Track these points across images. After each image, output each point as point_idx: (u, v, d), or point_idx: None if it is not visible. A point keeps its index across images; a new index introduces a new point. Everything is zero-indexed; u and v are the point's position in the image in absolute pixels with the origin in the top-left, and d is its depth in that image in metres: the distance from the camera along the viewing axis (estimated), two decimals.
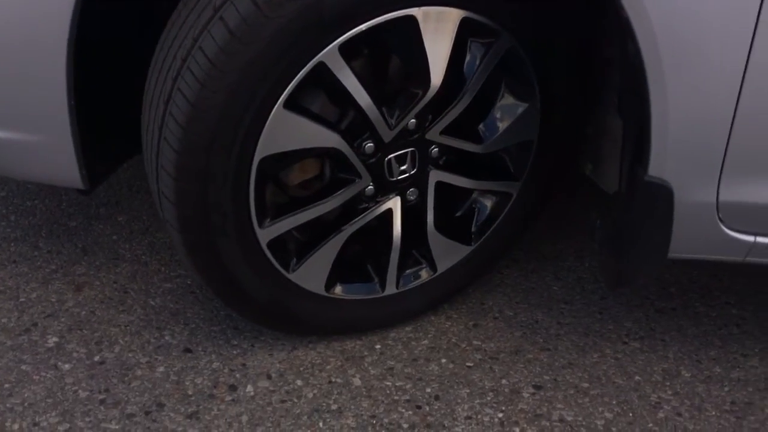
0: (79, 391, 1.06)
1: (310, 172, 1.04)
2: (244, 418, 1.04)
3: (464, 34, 0.99)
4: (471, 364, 1.18)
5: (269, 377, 1.11)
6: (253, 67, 0.85)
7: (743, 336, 1.29)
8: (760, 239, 1.05)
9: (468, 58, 1.03)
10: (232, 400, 1.07)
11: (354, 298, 1.16)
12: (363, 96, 0.96)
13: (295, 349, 1.17)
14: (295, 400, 1.08)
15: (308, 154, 1.00)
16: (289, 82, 0.89)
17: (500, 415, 1.09)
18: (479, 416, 1.08)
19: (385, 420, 1.06)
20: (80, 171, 1.03)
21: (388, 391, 1.11)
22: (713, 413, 1.12)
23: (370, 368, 1.15)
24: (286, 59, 0.87)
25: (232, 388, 1.09)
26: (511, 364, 1.19)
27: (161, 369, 1.11)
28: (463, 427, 1.06)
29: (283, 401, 1.07)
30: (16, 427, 1.00)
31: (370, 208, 1.08)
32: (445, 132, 1.07)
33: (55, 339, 1.15)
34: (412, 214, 1.13)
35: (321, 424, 1.04)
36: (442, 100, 1.04)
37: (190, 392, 1.07)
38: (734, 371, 1.21)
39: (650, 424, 1.09)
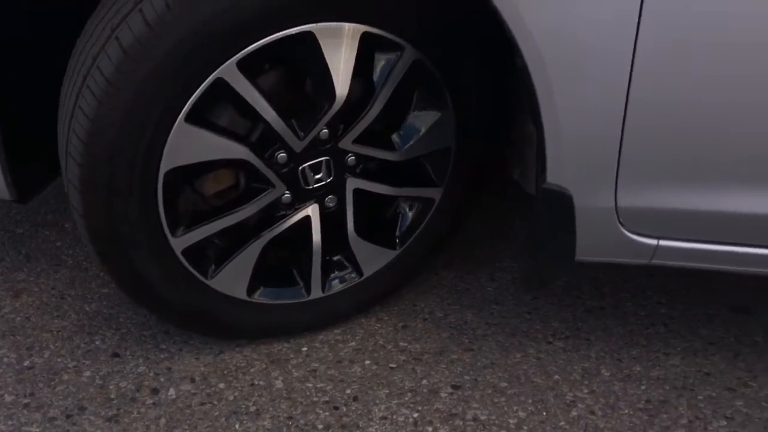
0: (5, 395, 1.10)
1: (225, 181, 1.08)
2: (162, 421, 1.07)
3: (369, 46, 1.03)
4: (394, 365, 1.21)
5: (192, 380, 1.15)
6: (148, 85, 0.88)
7: (669, 335, 1.32)
8: (663, 242, 1.07)
9: (375, 70, 1.06)
10: (153, 403, 1.10)
11: (279, 302, 1.20)
12: (267, 109, 0.99)
13: (222, 352, 1.21)
14: (215, 403, 1.11)
15: (219, 165, 1.04)
16: (189, 98, 0.93)
17: (415, 415, 1.12)
18: (394, 416, 1.12)
19: (301, 421, 1.10)
20: (5, 180, 1.07)
21: (308, 393, 1.15)
22: (626, 411, 1.15)
23: (293, 370, 1.18)
24: (183, 76, 0.91)
25: (155, 391, 1.12)
26: (434, 364, 1.22)
27: (87, 373, 1.15)
28: (378, 427, 1.10)
29: (202, 404, 1.11)
30: None
31: (288, 215, 1.12)
32: (358, 141, 1.10)
33: None
34: (333, 220, 1.17)
35: (237, 426, 1.08)
36: (353, 110, 1.07)
37: (112, 396, 1.11)
38: (654, 370, 1.24)
39: (562, 423, 1.12)
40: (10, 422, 1.05)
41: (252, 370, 1.18)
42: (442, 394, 1.16)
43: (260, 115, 0.99)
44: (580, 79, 0.92)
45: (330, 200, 1.14)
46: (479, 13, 0.94)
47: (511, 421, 1.12)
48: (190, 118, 0.95)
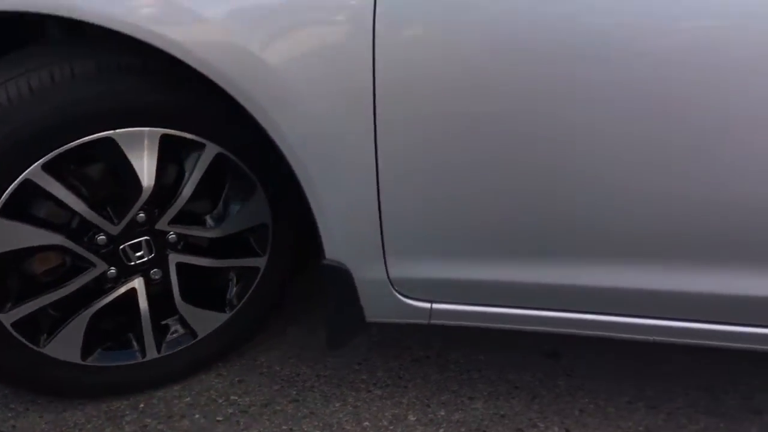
0: None
1: (52, 261, 1.22)
2: None
3: (173, 143, 1.19)
4: (221, 418, 1.35)
5: None
6: None
7: (480, 380, 1.48)
8: (436, 305, 1.24)
9: (183, 161, 1.22)
10: None
11: (116, 364, 1.34)
12: (78, 203, 1.15)
13: (65, 410, 1.34)
14: None
15: (41, 249, 1.19)
16: (1, 196, 1.08)
17: None
18: None
19: None
20: None
21: None
22: None
23: (126, 426, 1.32)
24: None
25: None
26: (258, 416, 1.36)
27: None
28: None
29: None
30: None
31: (115, 287, 1.27)
32: (174, 221, 1.26)
33: None
34: (160, 290, 1.32)
35: None
36: (166, 195, 1.23)
37: None
38: (456, 413, 1.39)
39: None
40: None
41: (89, 426, 1.31)
42: None
43: (72, 208, 1.14)
44: (336, 168, 1.08)
45: (155, 273, 1.29)
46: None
47: None
48: (4, 213, 1.10)
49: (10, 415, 1.32)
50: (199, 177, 1.23)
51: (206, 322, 1.39)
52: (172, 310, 1.34)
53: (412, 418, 1.38)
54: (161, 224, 1.25)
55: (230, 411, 1.37)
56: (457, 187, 1.11)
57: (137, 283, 1.28)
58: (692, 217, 1.09)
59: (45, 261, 1.21)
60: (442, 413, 1.39)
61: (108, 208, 1.20)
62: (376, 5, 1.00)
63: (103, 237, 1.21)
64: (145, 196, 1.19)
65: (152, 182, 1.18)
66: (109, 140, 1.11)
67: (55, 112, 1.07)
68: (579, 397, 1.43)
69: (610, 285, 1.17)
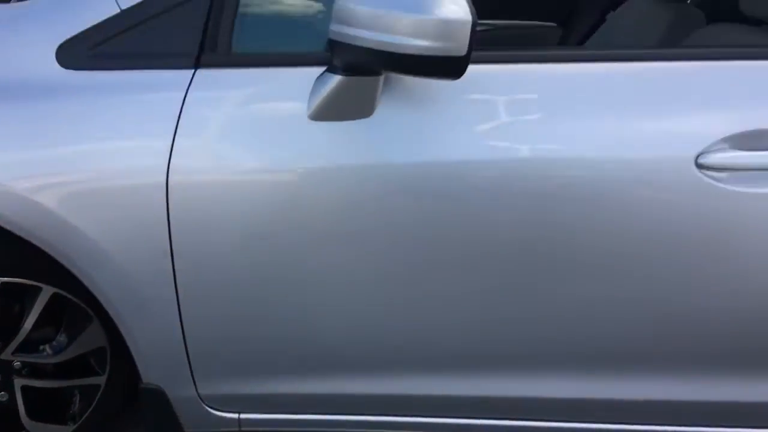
0: None
1: None
2: None
3: (13, 286, 1.41)
4: None
5: None
6: None
7: None
8: (244, 415, 1.47)
9: (23, 300, 1.44)
10: None
11: None
12: None
13: None
14: None
15: None
16: None
17: None
18: None
19: None
20: None
21: None
22: None
23: None
24: None
25: None
26: None
27: None
28: None
29: None
30: None
31: None
32: (17, 351, 1.46)
33: None
34: (8, 409, 1.51)
35: None
36: (11, 330, 1.44)
37: None
38: None
39: None
40: None
41: None
42: None
43: None
44: (142, 306, 1.32)
45: (2, 396, 1.49)
46: None
47: None
48: None
49: None
50: (39, 312, 1.44)
51: None
52: (20, 427, 1.53)
53: None
54: (5, 354, 1.45)
55: None
56: (248, 314, 1.36)
57: None
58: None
59: None
60: None
61: None
62: (170, 167, 1.25)
63: None
64: None
65: None
66: None
67: None
68: None
69: (383, 392, 1.43)
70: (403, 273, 1.31)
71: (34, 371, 1.52)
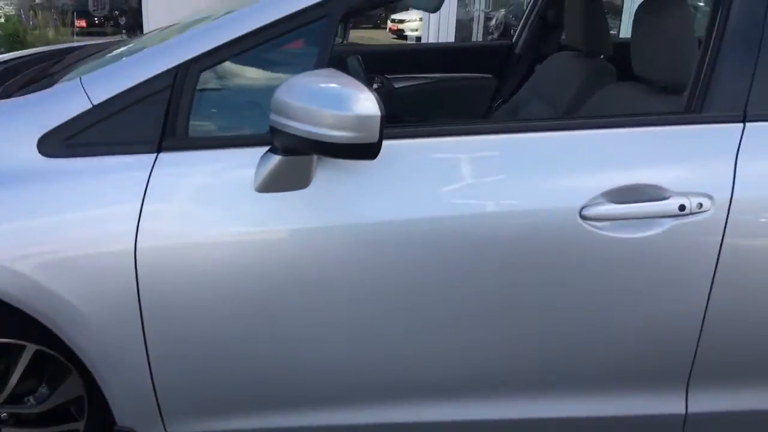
0: None
1: None
2: None
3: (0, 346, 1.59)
4: None
5: None
6: None
7: None
8: None
9: (9, 357, 1.62)
10: None
11: None
12: None
13: None
14: None
15: None
16: None
17: None
18: None
19: None
20: None
21: None
22: None
23: None
24: None
25: None
26: None
27: None
28: None
29: None
30: None
31: None
32: (5, 402, 1.64)
33: None
34: None
35: None
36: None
37: None
38: None
39: None
40: None
41: None
42: None
43: None
44: (115, 359, 1.51)
45: None
46: None
47: None
48: None
49: None
50: (23, 368, 1.63)
51: None
52: None
53: None
54: None
55: None
56: (211, 364, 1.56)
57: None
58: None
59: None
60: None
61: None
62: (137, 235, 1.46)
63: None
64: None
65: None
66: None
67: None
68: None
69: (341, 423, 1.64)
70: (346, 317, 1.53)
71: (18, 421, 1.70)
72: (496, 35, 11.06)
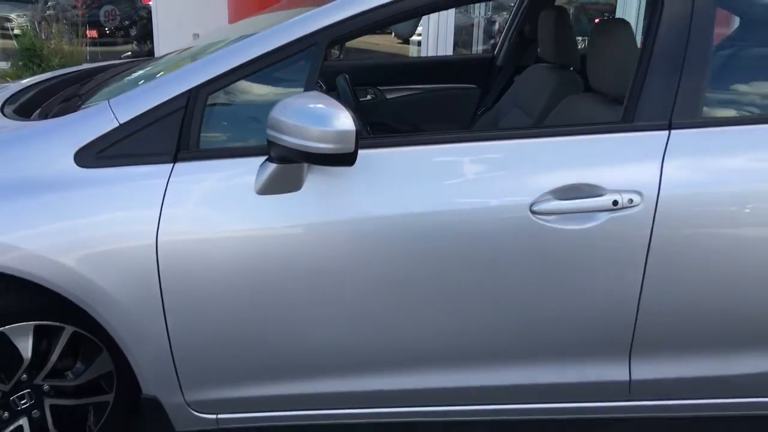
0: None
1: None
2: None
3: (42, 328, 1.87)
4: None
5: None
6: None
7: None
8: (221, 416, 1.94)
9: (52, 337, 1.90)
10: None
11: None
12: None
13: None
14: None
15: None
16: None
17: None
18: None
19: None
20: None
21: None
22: None
23: None
24: None
25: None
26: None
27: None
28: None
29: None
30: None
31: (8, 425, 1.90)
32: (48, 377, 1.93)
33: None
34: (40, 424, 1.96)
35: None
36: (41, 360, 1.90)
37: None
38: None
39: None
40: None
41: None
42: None
43: None
44: (140, 334, 1.79)
45: (35, 413, 1.95)
46: None
47: None
48: None
49: None
50: (62, 347, 1.91)
51: None
52: None
53: None
54: (38, 380, 1.92)
55: None
56: (224, 338, 1.84)
57: (23, 421, 1.93)
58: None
59: None
60: None
61: (1, 374, 1.86)
62: (158, 232, 1.74)
63: None
64: (25, 364, 1.86)
65: (29, 354, 1.86)
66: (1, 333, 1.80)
67: None
68: None
69: (348, 390, 1.91)
70: (332, 296, 1.81)
71: (59, 393, 1.98)
72: (498, 40, 11.34)
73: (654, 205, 1.77)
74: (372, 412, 1.98)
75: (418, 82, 3.56)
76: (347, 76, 2.65)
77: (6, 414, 1.90)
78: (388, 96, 3.49)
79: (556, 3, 3.24)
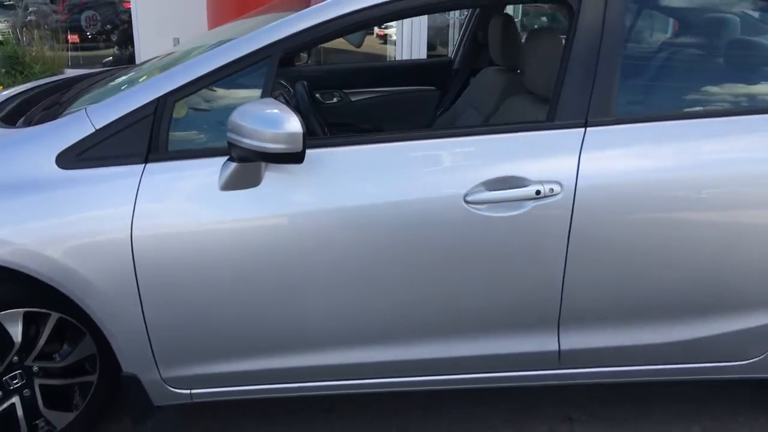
0: None
1: None
2: None
3: (31, 314, 2.08)
4: None
5: None
6: None
7: None
8: (195, 390, 2.16)
9: (38, 323, 2.11)
10: None
11: None
12: None
13: None
14: None
15: None
16: None
17: None
18: None
19: None
20: None
21: None
22: None
23: None
24: None
25: None
26: None
27: None
28: None
29: None
30: None
31: (2, 403, 2.11)
32: (36, 359, 2.13)
33: None
34: (30, 402, 2.16)
35: None
36: (30, 344, 2.10)
37: None
38: None
39: None
40: None
41: None
42: None
43: None
44: (117, 317, 2.00)
45: (26, 392, 2.15)
46: None
47: None
48: None
49: None
50: (49, 331, 2.12)
51: (61, 419, 2.24)
52: (39, 414, 2.19)
53: None
54: (28, 362, 2.13)
55: None
56: (194, 320, 2.05)
57: (15, 399, 2.14)
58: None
59: None
60: None
61: None
62: (132, 225, 1.95)
63: None
64: (15, 348, 2.07)
65: (19, 339, 2.06)
66: None
67: None
68: None
69: (316, 364, 2.13)
70: (292, 277, 2.02)
71: (47, 374, 2.18)
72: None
73: (573, 194, 2.01)
74: (327, 385, 2.20)
75: (381, 85, 3.79)
76: (305, 83, 2.86)
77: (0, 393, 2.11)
78: (353, 98, 3.71)
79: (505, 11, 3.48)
